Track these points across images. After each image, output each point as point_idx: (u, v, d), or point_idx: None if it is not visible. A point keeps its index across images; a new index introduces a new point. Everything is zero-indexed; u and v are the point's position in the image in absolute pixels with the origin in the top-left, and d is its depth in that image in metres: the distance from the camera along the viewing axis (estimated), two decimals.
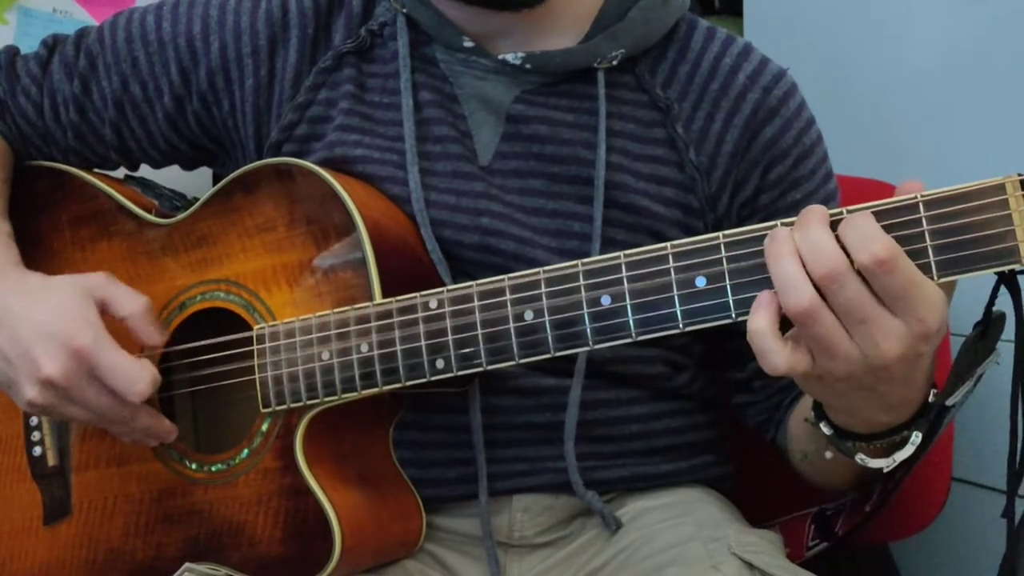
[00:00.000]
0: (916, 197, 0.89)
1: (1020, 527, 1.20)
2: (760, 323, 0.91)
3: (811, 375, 0.94)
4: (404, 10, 1.27)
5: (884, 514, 1.19)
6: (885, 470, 1.03)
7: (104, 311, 1.16)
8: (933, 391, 1.00)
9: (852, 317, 0.89)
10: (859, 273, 0.88)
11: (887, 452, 1.02)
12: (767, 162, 1.25)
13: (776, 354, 0.91)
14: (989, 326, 0.95)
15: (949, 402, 0.99)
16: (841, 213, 0.90)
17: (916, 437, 1.00)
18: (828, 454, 1.09)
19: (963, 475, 1.55)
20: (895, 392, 0.96)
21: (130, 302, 1.18)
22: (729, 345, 1.29)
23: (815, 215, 0.90)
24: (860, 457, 1.03)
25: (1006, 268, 0.87)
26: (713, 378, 1.34)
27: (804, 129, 1.27)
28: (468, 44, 1.25)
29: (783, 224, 0.93)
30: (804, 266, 0.89)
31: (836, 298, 0.88)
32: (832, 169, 1.30)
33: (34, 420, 1.27)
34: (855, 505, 1.23)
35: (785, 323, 0.92)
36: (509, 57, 1.24)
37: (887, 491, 1.14)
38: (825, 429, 1.04)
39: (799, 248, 0.89)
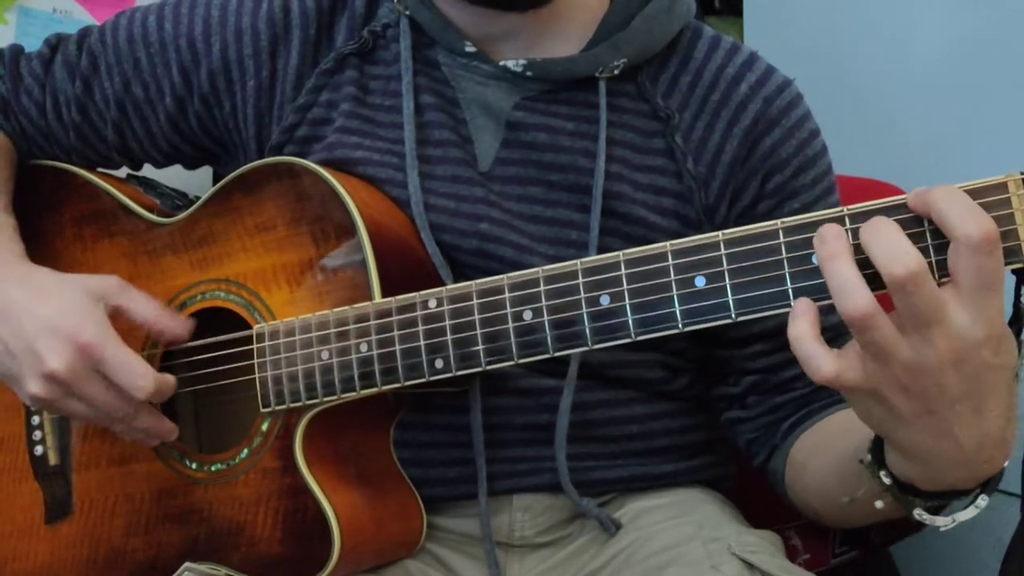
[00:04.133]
0: None
1: (1020, 527, 1.20)
2: (801, 328, 0.87)
3: (866, 390, 0.88)
4: (407, 12, 1.26)
5: None
6: (942, 528, 0.95)
7: (118, 316, 1.17)
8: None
9: (919, 320, 0.83)
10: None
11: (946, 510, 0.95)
12: (766, 171, 1.25)
13: (822, 358, 0.86)
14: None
15: None
16: (841, 211, 0.90)
17: (982, 501, 0.93)
18: (879, 504, 0.98)
19: None
20: (964, 424, 0.88)
21: (148, 306, 1.18)
22: (723, 355, 1.28)
23: (882, 218, 0.86)
24: (919, 512, 0.95)
25: (1010, 268, 0.85)
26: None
27: (807, 140, 1.26)
28: (470, 49, 1.24)
29: (784, 223, 0.92)
30: (879, 269, 0.84)
31: (909, 299, 0.83)
32: (835, 183, 1.29)
33: (35, 419, 1.27)
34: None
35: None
36: (510, 64, 1.23)
37: None
38: (886, 479, 0.95)
39: (868, 248, 0.85)
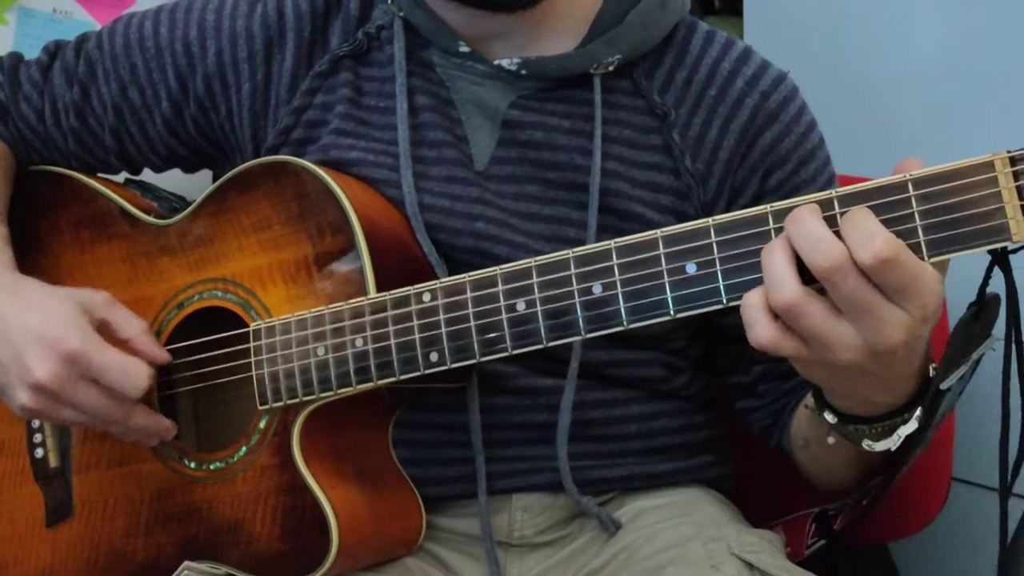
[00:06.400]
0: (906, 177, 0.89)
1: (1020, 527, 1.20)
2: (754, 297, 0.92)
3: (808, 360, 0.94)
4: (401, 13, 1.27)
5: (884, 514, 1.19)
6: (892, 448, 1.02)
7: (104, 330, 1.17)
8: (932, 366, 1.00)
9: (855, 307, 0.89)
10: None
11: (890, 432, 1.02)
12: (766, 168, 1.25)
13: (762, 326, 0.92)
14: (982, 308, 0.95)
15: (943, 386, 0.98)
16: (831, 194, 0.91)
17: (918, 412, 1.00)
18: (831, 439, 1.08)
19: (963, 475, 1.54)
20: (896, 373, 0.96)
21: (133, 324, 1.19)
22: (732, 349, 1.29)
23: (806, 209, 0.90)
24: (867, 443, 1.02)
25: (997, 246, 0.87)
26: (712, 380, 1.33)
27: (805, 134, 1.26)
28: (464, 49, 1.25)
29: (773, 208, 0.93)
30: (803, 260, 0.89)
31: (838, 290, 0.89)
32: (834, 172, 1.30)
33: (36, 422, 1.28)
34: (855, 504, 1.22)
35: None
36: (505, 63, 1.24)
37: (884, 487, 1.13)
38: (829, 417, 1.03)
39: (794, 243, 0.89)
